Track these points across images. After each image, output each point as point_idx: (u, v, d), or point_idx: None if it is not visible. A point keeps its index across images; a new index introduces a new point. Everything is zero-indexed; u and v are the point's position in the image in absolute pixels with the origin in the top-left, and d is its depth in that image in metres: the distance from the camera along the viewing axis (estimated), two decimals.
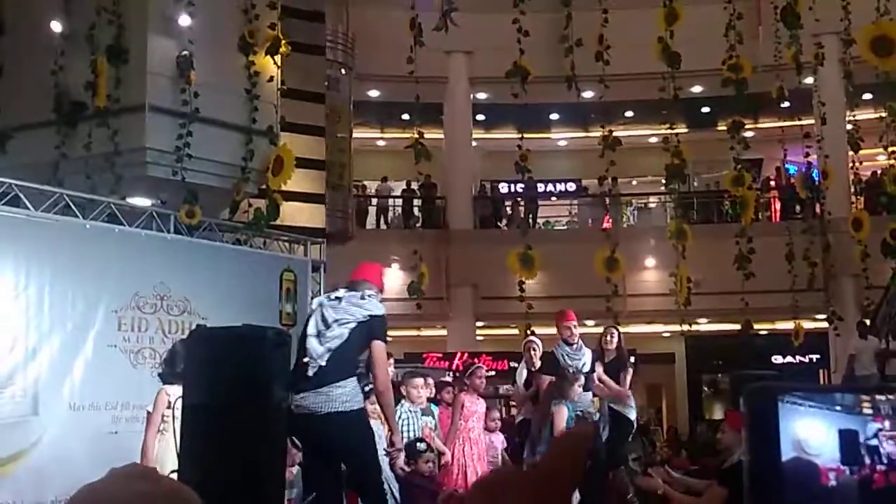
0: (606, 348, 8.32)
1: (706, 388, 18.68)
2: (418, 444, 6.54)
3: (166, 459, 5.32)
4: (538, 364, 8.16)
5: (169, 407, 5.44)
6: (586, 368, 7.75)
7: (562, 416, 7.10)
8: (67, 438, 7.01)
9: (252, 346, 4.02)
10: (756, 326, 13.88)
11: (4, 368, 6.84)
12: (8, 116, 8.71)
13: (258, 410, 3.95)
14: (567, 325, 7.96)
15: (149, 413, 5.67)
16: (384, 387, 5.29)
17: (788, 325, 13.18)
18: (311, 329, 5.18)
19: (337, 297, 5.25)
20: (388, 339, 5.33)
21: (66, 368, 7.22)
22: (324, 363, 5.05)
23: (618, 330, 8.52)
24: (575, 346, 7.83)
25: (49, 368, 7.11)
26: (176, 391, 5.09)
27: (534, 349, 8.28)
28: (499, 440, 7.88)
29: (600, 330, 8.91)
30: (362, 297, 5.24)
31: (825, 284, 13.47)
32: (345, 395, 5.02)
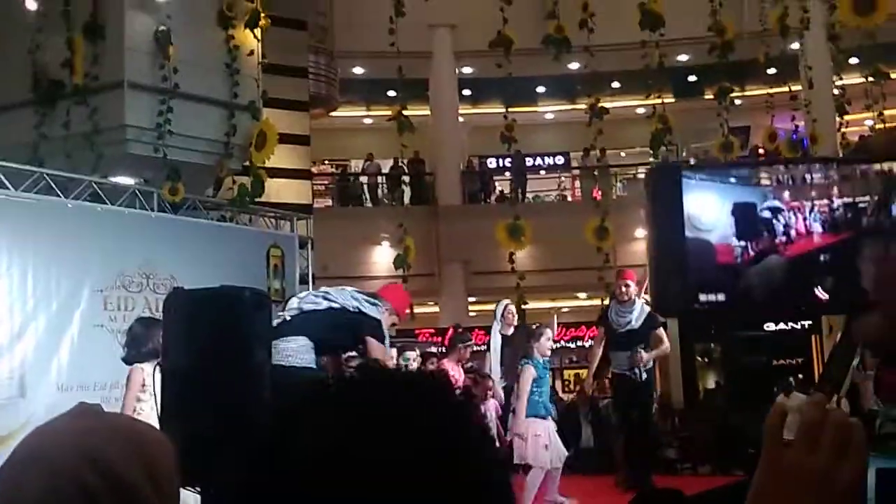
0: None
1: (699, 358, 18.67)
2: None
3: None
4: (512, 331, 8.17)
5: (143, 385, 5.36)
6: (634, 325, 7.70)
7: (527, 375, 6.85)
8: None
9: (230, 305, 3.95)
10: None
11: None
12: None
13: (239, 370, 3.88)
14: (619, 283, 7.97)
15: (126, 390, 5.55)
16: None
17: None
18: (300, 293, 5.20)
19: (344, 288, 5.26)
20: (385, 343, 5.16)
21: (52, 349, 7.16)
22: (288, 318, 5.08)
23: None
24: (627, 302, 7.82)
25: (35, 349, 7.05)
26: (149, 369, 5.02)
27: (511, 314, 8.31)
28: (492, 407, 7.80)
29: (594, 302, 8.91)
30: (367, 298, 5.17)
31: None
32: (288, 349, 4.97)
